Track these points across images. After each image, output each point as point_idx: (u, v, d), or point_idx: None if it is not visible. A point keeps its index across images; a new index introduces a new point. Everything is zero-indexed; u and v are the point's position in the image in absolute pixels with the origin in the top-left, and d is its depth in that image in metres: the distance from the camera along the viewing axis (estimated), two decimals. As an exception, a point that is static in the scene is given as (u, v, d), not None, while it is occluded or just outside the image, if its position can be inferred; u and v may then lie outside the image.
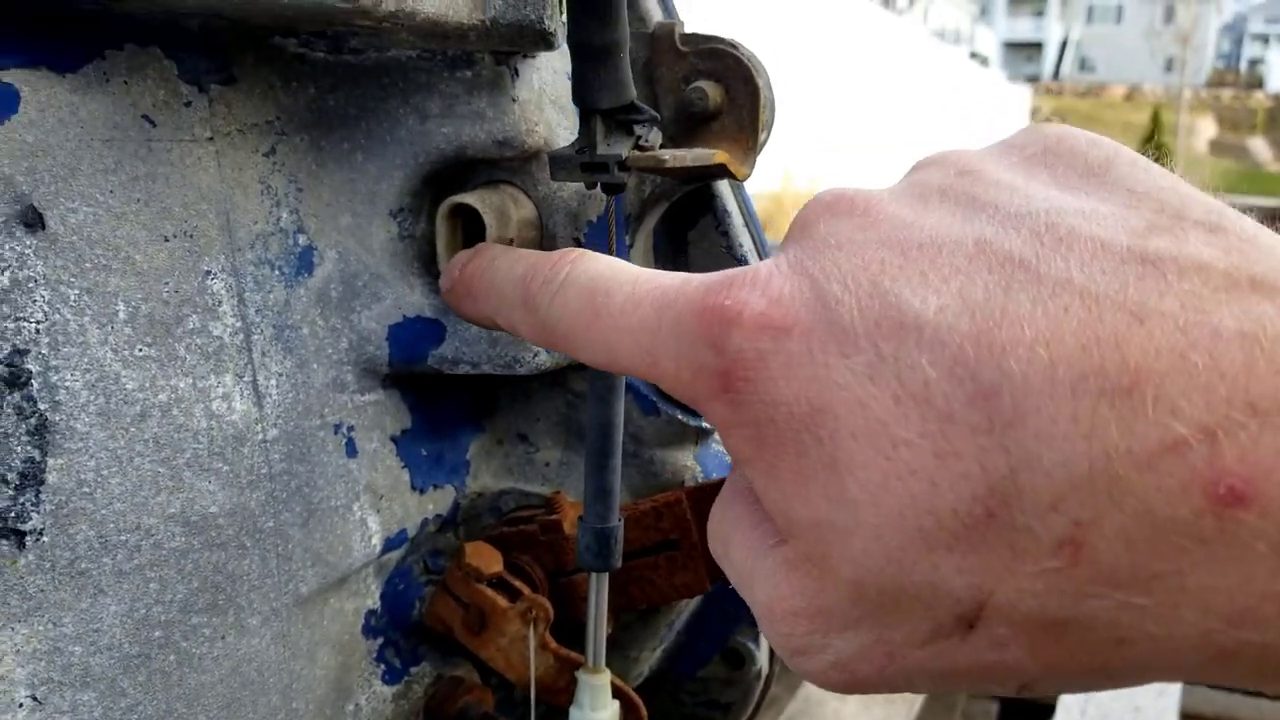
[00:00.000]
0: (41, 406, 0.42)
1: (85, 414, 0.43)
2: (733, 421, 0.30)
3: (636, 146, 0.48)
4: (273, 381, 0.50)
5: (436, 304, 0.56)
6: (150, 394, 0.45)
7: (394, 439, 0.58)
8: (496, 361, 0.56)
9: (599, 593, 0.55)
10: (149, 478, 0.45)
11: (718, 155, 0.53)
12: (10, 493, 0.41)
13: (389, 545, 0.58)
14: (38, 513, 0.42)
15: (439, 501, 0.61)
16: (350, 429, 0.55)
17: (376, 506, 0.57)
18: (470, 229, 0.55)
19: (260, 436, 0.49)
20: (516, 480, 0.65)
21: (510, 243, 0.54)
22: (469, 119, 0.53)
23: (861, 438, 0.26)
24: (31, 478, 0.42)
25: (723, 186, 0.64)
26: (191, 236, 0.47)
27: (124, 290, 0.44)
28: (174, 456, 0.46)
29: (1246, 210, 0.28)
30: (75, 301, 0.42)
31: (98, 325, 0.43)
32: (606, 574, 0.55)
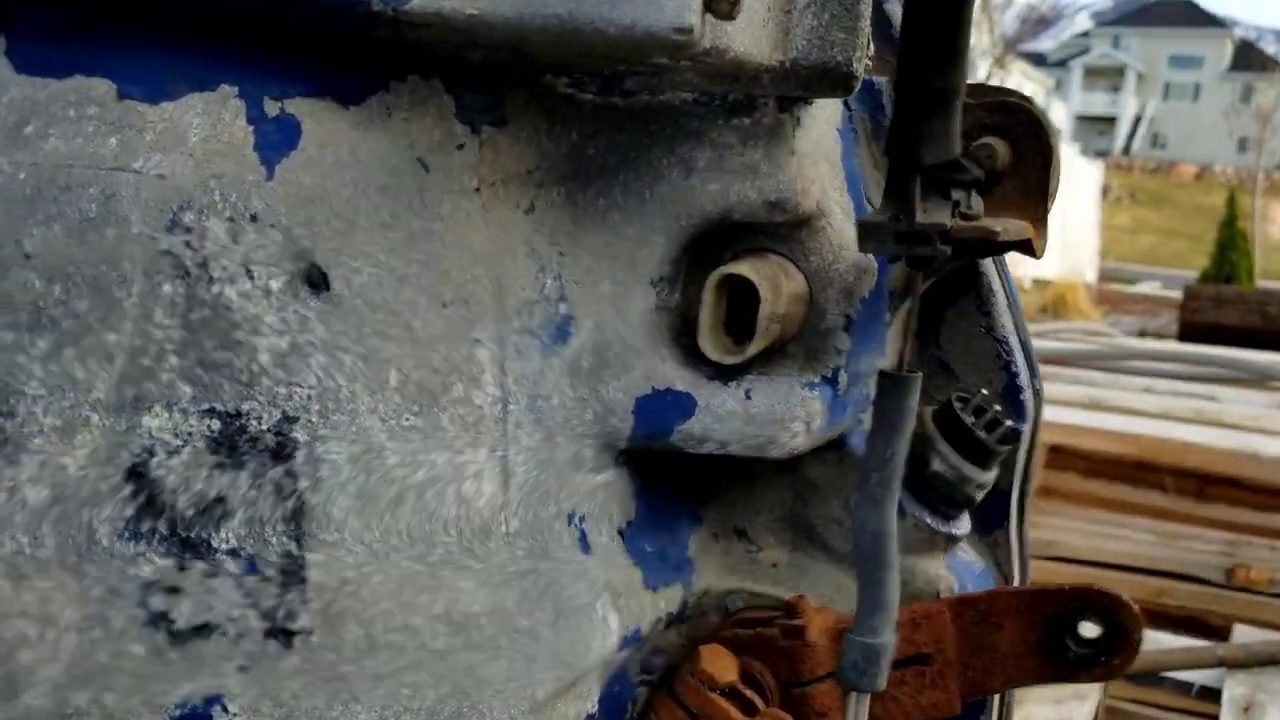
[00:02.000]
0: (301, 485, 0.37)
1: (344, 496, 0.38)
2: None
3: (958, 214, 0.43)
4: (520, 457, 0.45)
5: (688, 376, 0.50)
6: (409, 470, 0.39)
7: (620, 532, 0.52)
8: (748, 441, 0.50)
9: (859, 715, 0.49)
10: (409, 575, 0.39)
11: (1027, 228, 0.48)
12: (275, 590, 0.36)
13: (624, 645, 0.52)
14: (306, 611, 0.36)
15: (670, 600, 0.55)
16: (582, 519, 0.49)
17: (616, 605, 0.51)
18: (733, 302, 0.50)
19: (503, 528, 0.44)
20: (742, 580, 0.59)
21: (780, 318, 0.49)
22: (740, 174, 0.48)
23: None
24: (293, 574, 0.36)
25: (989, 263, 0.58)
26: (467, 303, 0.42)
27: (398, 358, 0.39)
28: (427, 553, 0.40)
29: None
30: (350, 368, 0.37)
31: (369, 392, 0.38)
32: (868, 695, 0.49)
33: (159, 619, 0.34)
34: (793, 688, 0.55)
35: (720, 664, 0.53)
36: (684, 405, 0.50)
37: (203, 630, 0.35)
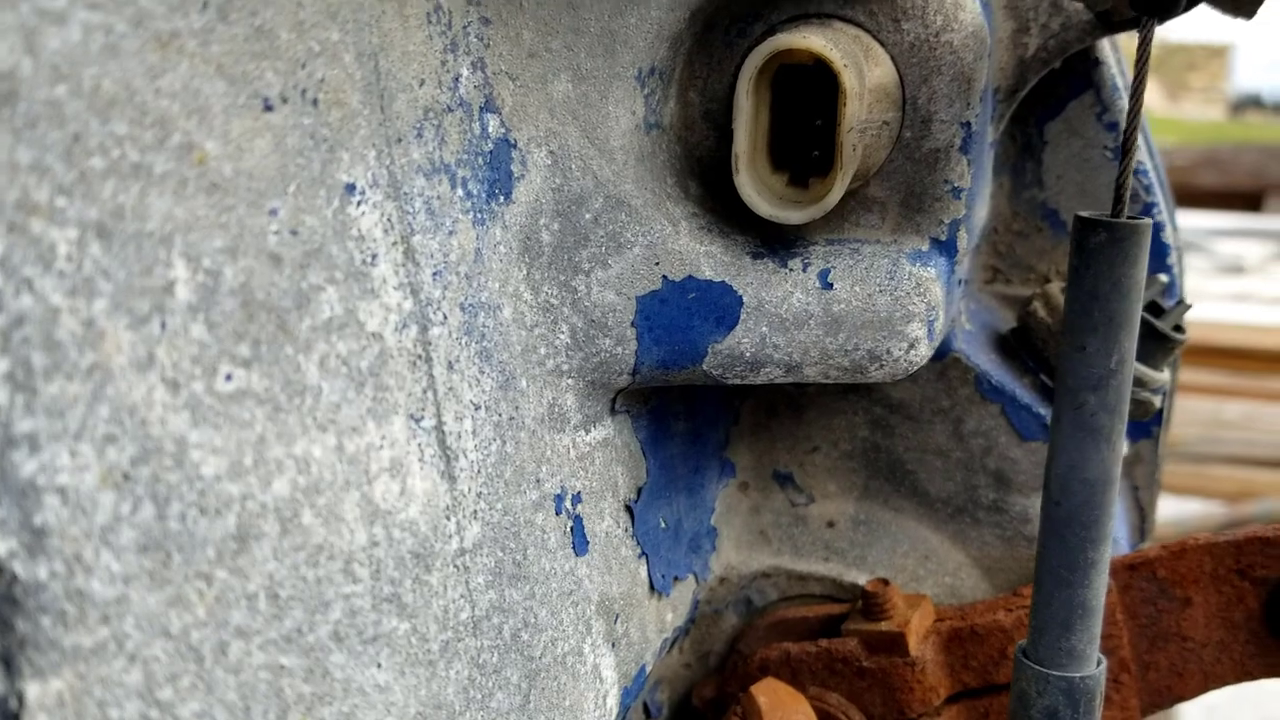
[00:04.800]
0: None
1: (102, 554, 0.16)
2: None
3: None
4: (466, 423, 0.24)
5: (719, 254, 0.30)
6: (250, 482, 0.18)
7: (629, 507, 0.32)
8: (834, 361, 0.30)
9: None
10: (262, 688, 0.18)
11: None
12: None
13: (625, 700, 0.32)
14: None
15: (678, 607, 0.36)
16: (575, 499, 0.29)
17: (611, 636, 0.31)
18: (775, 109, 0.29)
19: (455, 544, 0.23)
20: (777, 552, 0.40)
21: (870, 133, 0.29)
22: None
23: None
24: None
25: (1107, 49, 0.39)
26: (315, 104, 0.20)
27: (183, 226, 0.17)
28: (305, 630, 0.19)
29: None
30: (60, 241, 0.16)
31: (109, 304, 0.16)
32: None
33: None
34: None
35: (788, 710, 0.34)
36: (721, 306, 0.30)
37: None
